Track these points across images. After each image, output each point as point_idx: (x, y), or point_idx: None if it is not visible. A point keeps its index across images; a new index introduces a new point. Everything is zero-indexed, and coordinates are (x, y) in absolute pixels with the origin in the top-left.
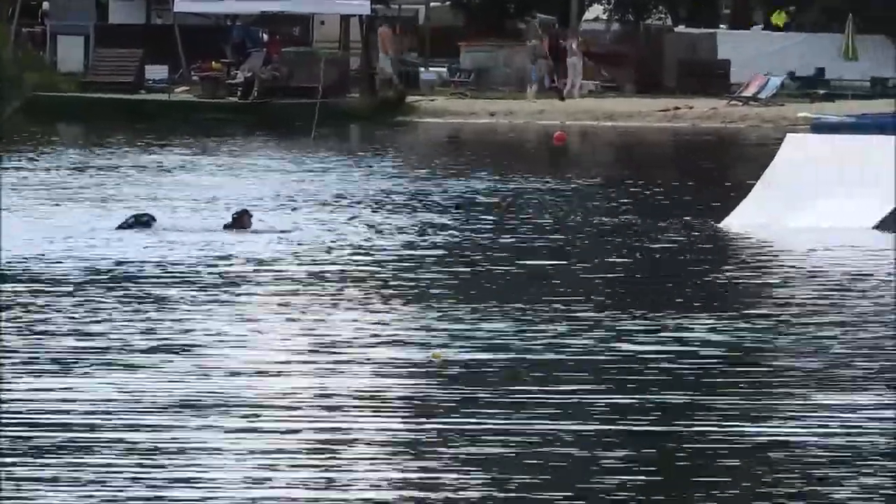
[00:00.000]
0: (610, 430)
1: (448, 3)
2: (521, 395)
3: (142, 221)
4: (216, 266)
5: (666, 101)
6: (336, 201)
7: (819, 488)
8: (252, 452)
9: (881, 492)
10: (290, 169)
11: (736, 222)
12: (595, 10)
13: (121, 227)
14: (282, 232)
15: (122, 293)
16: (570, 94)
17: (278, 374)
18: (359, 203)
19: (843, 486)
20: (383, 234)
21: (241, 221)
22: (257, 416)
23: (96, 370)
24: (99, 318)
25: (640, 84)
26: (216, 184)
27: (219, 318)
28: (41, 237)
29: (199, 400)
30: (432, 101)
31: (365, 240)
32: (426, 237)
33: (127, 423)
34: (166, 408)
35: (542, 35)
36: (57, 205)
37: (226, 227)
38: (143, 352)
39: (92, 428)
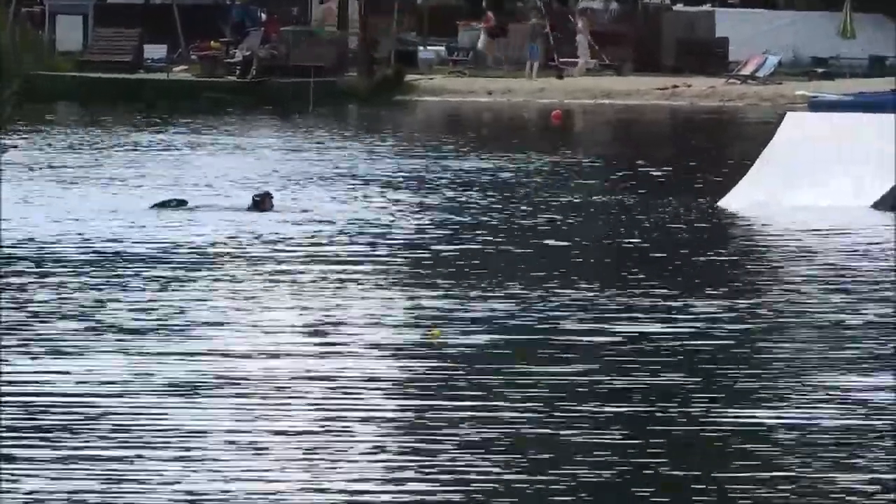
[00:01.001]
0: (609, 413)
1: None
2: (520, 378)
3: (178, 201)
4: (245, 247)
5: (664, 79)
6: (340, 180)
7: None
8: (250, 439)
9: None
10: (291, 148)
11: (734, 201)
12: None
13: (157, 205)
14: (303, 212)
15: (153, 273)
16: (572, 73)
17: (278, 356)
18: (367, 183)
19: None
20: (397, 213)
21: (263, 204)
22: (251, 399)
23: (104, 352)
24: (115, 298)
25: (639, 63)
26: (220, 164)
27: (232, 298)
28: (70, 217)
29: (195, 382)
30: (431, 79)
31: (377, 219)
32: (423, 216)
33: (124, 406)
34: (163, 390)
35: (543, 13)
36: (68, 186)
37: (248, 208)
38: (141, 333)
39: (89, 409)
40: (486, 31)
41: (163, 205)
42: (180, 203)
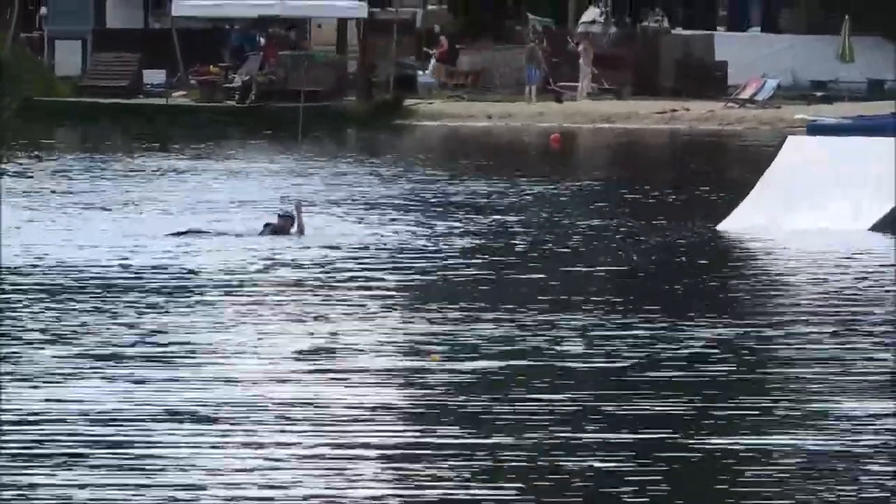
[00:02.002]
0: (611, 439)
1: (445, 6)
2: (519, 405)
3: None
4: (263, 272)
5: (663, 103)
6: (344, 203)
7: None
8: (251, 465)
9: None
10: (292, 172)
11: (734, 224)
12: (592, 13)
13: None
14: (319, 236)
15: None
16: (573, 96)
17: (282, 381)
18: (377, 206)
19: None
20: (404, 237)
21: (283, 227)
22: (255, 426)
23: (97, 377)
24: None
25: (638, 86)
26: (224, 188)
27: (239, 325)
28: (79, 243)
29: (197, 409)
30: (430, 104)
31: (386, 243)
32: (421, 238)
33: (122, 433)
34: (165, 416)
35: (541, 37)
36: (73, 212)
37: (263, 232)
38: (147, 359)
39: (87, 435)
40: (438, 57)
41: (180, 233)
42: (198, 233)
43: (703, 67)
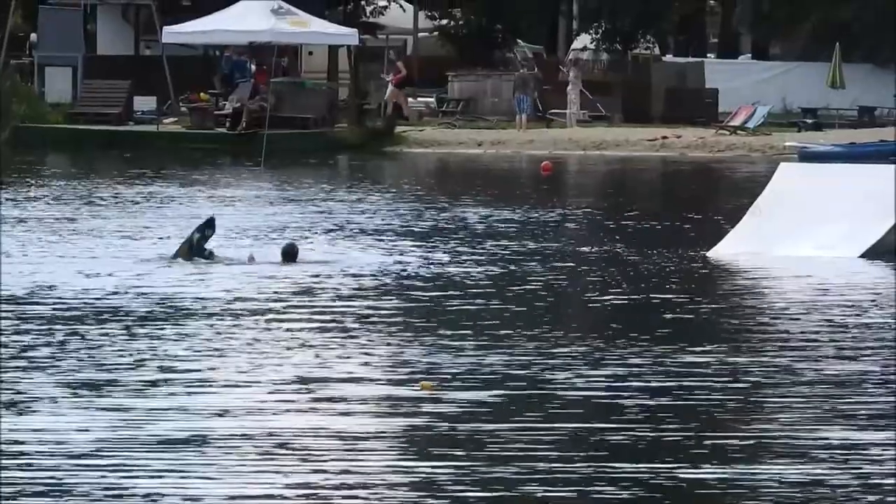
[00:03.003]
0: (604, 469)
1: (436, 33)
2: (516, 432)
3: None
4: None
5: (654, 130)
6: (340, 230)
7: None
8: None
9: None
10: (285, 199)
11: (724, 251)
12: (583, 40)
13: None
14: (321, 263)
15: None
16: (565, 123)
17: (273, 413)
18: (358, 233)
19: None
20: (401, 264)
21: (289, 255)
22: (245, 454)
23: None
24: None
25: (628, 113)
26: (221, 214)
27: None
28: (91, 270)
29: (187, 438)
30: (421, 130)
31: (380, 269)
32: (410, 265)
33: (110, 464)
34: (152, 444)
35: (529, 65)
36: (67, 238)
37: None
38: (135, 388)
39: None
40: (394, 83)
41: (195, 251)
42: (209, 255)
43: (694, 94)
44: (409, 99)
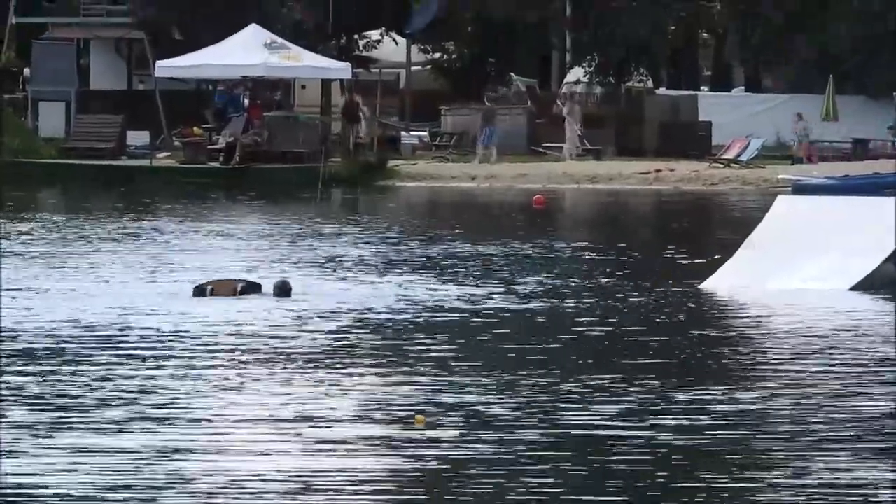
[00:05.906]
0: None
1: (429, 66)
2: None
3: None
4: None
5: (648, 163)
6: (331, 265)
7: None
8: None
9: None
10: (280, 234)
11: (717, 284)
12: (576, 73)
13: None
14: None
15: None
16: (560, 156)
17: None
18: (362, 268)
19: None
20: (394, 298)
21: (282, 290)
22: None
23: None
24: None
25: (622, 146)
26: (216, 250)
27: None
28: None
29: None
30: (414, 164)
31: (372, 307)
32: (413, 301)
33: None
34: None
35: (524, 97)
36: (66, 275)
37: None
38: (117, 425)
39: None
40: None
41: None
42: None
43: (688, 127)
44: (403, 133)
